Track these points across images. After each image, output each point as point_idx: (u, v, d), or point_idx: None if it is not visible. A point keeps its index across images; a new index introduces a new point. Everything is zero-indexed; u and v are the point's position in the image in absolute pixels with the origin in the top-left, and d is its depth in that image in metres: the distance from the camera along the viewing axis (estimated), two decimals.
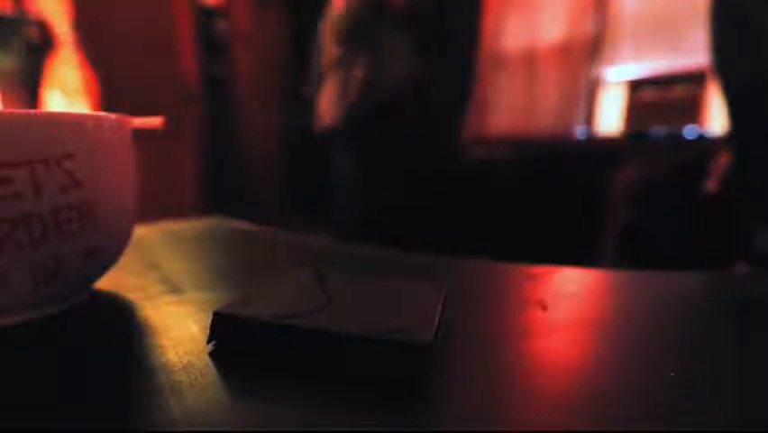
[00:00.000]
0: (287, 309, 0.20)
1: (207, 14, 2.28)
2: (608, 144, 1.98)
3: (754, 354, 0.21)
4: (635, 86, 2.02)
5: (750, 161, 0.96)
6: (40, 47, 1.74)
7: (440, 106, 1.33)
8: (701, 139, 1.72)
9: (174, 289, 0.28)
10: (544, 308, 0.26)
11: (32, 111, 0.22)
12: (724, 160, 1.28)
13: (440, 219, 1.45)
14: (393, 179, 1.35)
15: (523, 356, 0.20)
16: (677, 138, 1.80)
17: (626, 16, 2.02)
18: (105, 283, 0.29)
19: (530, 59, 2.22)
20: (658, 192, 1.58)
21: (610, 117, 2.11)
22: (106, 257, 0.26)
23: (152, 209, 0.54)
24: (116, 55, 1.89)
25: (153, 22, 2.02)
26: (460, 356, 0.20)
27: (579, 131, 2.14)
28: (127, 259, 0.34)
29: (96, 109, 1.82)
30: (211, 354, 0.20)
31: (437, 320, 0.20)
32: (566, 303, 0.27)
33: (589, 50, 2.07)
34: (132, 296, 0.27)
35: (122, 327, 0.23)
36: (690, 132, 1.79)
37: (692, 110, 1.84)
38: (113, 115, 0.24)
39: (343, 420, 0.15)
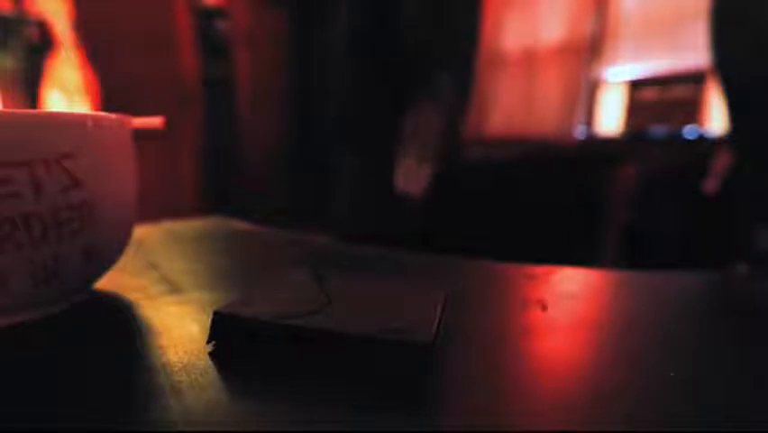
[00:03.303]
0: (287, 309, 0.20)
1: (207, 14, 2.28)
2: (607, 144, 1.98)
3: (754, 354, 0.21)
4: (635, 86, 2.02)
5: (750, 161, 0.96)
6: (40, 47, 1.74)
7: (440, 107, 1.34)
8: (701, 139, 1.72)
9: (174, 289, 0.28)
10: (544, 308, 0.26)
11: (32, 111, 0.21)
12: (724, 160, 1.28)
13: (440, 219, 1.45)
14: (393, 179, 1.35)
15: (523, 356, 0.20)
16: (677, 138, 1.80)
17: (626, 16, 2.02)
18: (105, 283, 0.29)
19: (530, 59, 2.22)
20: (658, 192, 1.58)
21: (610, 117, 2.11)
22: (106, 257, 0.26)
23: (152, 209, 0.54)
24: (116, 55, 1.89)
25: (153, 22, 2.02)
26: (460, 356, 0.20)
27: (579, 131, 2.14)
28: (127, 259, 0.34)
29: (95, 109, 1.82)
30: (211, 354, 0.20)
31: (437, 320, 0.20)
32: (566, 303, 0.27)
33: (589, 50, 2.07)
34: (132, 296, 0.27)
35: (122, 327, 0.23)
36: (690, 132, 1.79)
37: (692, 110, 1.84)
38: (113, 115, 0.24)
39: (343, 420, 0.15)
